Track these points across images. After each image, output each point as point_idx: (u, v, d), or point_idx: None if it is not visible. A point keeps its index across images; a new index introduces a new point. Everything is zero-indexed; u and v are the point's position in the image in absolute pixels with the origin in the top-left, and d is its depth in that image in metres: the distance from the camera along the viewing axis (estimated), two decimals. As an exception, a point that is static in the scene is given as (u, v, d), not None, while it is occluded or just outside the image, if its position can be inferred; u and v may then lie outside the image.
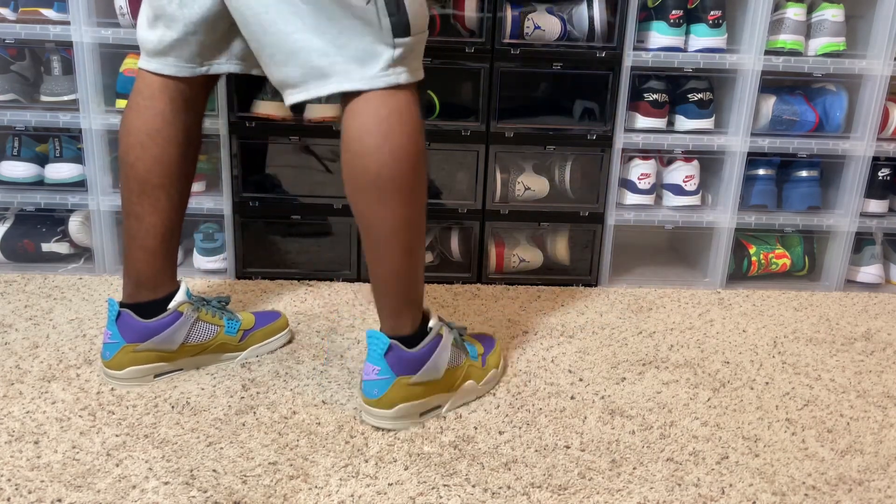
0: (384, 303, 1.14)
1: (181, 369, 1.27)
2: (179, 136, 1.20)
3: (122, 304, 1.22)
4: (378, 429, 1.14)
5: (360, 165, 1.05)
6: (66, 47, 1.61)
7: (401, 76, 1.06)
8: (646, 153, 1.76)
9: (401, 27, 1.04)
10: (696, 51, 1.68)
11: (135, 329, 1.21)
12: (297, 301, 1.60)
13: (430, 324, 1.17)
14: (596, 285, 1.77)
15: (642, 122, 1.72)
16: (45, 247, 1.68)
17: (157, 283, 1.24)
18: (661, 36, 1.66)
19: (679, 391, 1.30)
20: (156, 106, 1.18)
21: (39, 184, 1.68)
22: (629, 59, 1.64)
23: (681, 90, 1.74)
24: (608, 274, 1.77)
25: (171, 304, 1.24)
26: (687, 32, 1.69)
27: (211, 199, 1.67)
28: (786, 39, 1.68)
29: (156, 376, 1.24)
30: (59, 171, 1.66)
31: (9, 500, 0.95)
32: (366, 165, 1.05)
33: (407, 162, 1.06)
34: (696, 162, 1.77)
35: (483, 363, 1.25)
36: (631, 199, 1.77)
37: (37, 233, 1.68)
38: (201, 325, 1.27)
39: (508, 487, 1.02)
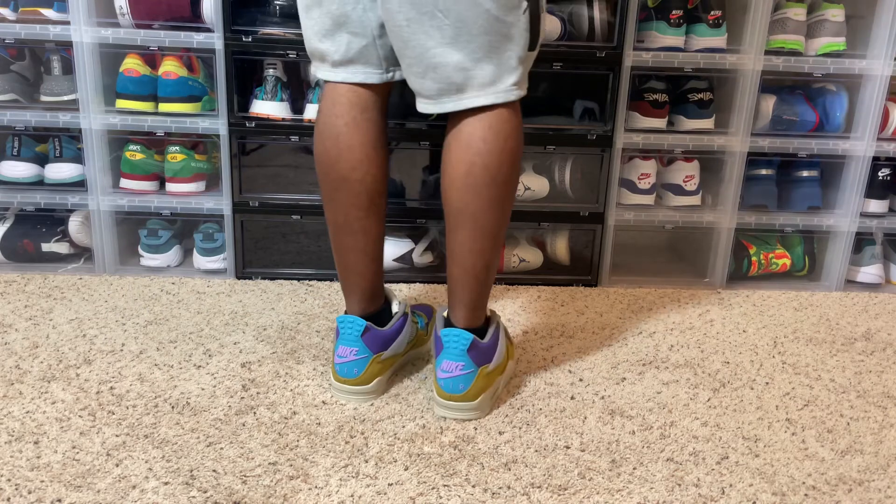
0: (469, 296, 1.17)
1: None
2: (385, 140, 1.20)
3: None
4: (378, 429, 1.14)
5: (481, 163, 1.10)
6: (66, 47, 1.61)
7: (522, 90, 1.12)
8: (646, 153, 1.76)
9: (534, 42, 1.10)
10: (697, 51, 1.68)
11: (378, 339, 1.22)
12: (297, 301, 1.60)
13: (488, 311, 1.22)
14: (596, 285, 1.77)
15: (642, 122, 1.72)
16: (45, 247, 1.68)
17: (379, 292, 1.27)
18: (661, 36, 1.66)
19: (679, 391, 1.30)
20: (369, 116, 1.17)
21: (39, 184, 1.68)
22: (629, 59, 1.64)
23: (681, 90, 1.74)
24: (608, 274, 1.77)
25: (397, 308, 1.28)
26: (687, 32, 1.69)
27: (211, 199, 1.67)
28: (786, 39, 1.68)
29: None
30: (59, 171, 1.66)
31: (9, 500, 0.95)
32: (486, 164, 1.10)
33: (516, 166, 1.14)
34: (696, 162, 1.77)
35: (510, 340, 1.30)
36: (631, 199, 1.77)
37: (37, 233, 1.68)
38: (411, 323, 1.30)
39: (508, 487, 1.02)
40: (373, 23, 1.11)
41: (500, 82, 1.09)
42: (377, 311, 1.26)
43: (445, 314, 1.24)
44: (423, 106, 1.13)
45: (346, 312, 1.26)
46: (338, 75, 1.16)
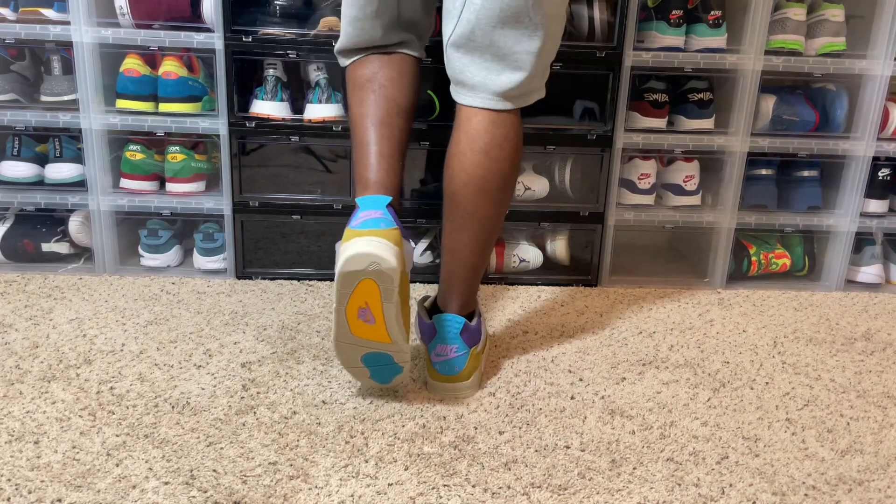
0: (464, 288, 1.26)
1: None
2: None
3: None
4: (378, 429, 1.14)
5: (497, 168, 1.18)
6: (66, 47, 1.61)
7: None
8: (646, 153, 1.76)
9: None
10: (697, 51, 1.68)
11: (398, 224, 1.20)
12: (297, 301, 1.60)
13: None
14: (596, 285, 1.77)
15: (642, 122, 1.72)
16: (45, 247, 1.69)
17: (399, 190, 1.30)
18: (661, 36, 1.66)
19: (679, 391, 1.30)
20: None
21: (39, 184, 1.68)
22: (629, 59, 1.64)
23: (681, 90, 1.74)
24: (608, 274, 1.77)
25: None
26: (687, 32, 1.69)
27: (211, 199, 1.67)
28: (786, 39, 1.68)
29: None
30: (59, 171, 1.66)
31: (9, 500, 0.95)
32: (501, 169, 1.18)
33: (518, 170, 1.24)
34: (696, 162, 1.77)
35: None
36: (631, 199, 1.77)
37: (37, 233, 1.68)
38: None
39: (508, 487, 1.02)
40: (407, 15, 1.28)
41: (544, 79, 1.22)
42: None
43: (427, 304, 1.30)
44: (490, 102, 1.17)
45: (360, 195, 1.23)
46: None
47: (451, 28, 1.16)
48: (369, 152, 1.24)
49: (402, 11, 1.27)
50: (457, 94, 1.21)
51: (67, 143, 1.66)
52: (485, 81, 1.16)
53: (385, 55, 1.29)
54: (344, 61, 1.32)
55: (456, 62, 1.18)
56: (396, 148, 1.25)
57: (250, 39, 1.58)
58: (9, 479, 0.99)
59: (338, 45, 1.32)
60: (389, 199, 1.18)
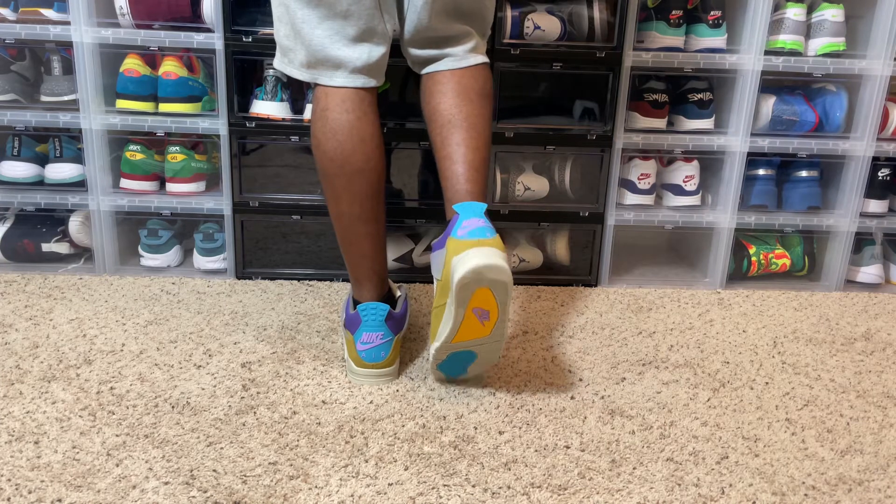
0: (476, 188, 1.26)
1: None
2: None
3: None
4: (378, 429, 1.14)
5: (481, 84, 1.29)
6: (66, 47, 1.61)
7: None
8: (646, 153, 1.76)
9: None
10: (697, 51, 1.68)
11: (397, 321, 1.29)
12: (297, 301, 1.60)
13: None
14: (596, 285, 1.77)
15: (642, 122, 1.73)
16: (45, 247, 1.69)
17: (387, 277, 1.35)
18: (661, 36, 1.66)
19: (679, 391, 1.30)
20: (373, 110, 1.26)
21: (39, 184, 1.68)
22: (629, 59, 1.64)
23: (681, 90, 1.74)
24: (608, 274, 1.77)
25: (399, 291, 1.39)
26: (687, 32, 1.69)
27: (211, 199, 1.67)
28: (786, 39, 1.68)
29: None
30: (59, 171, 1.66)
31: (9, 500, 0.95)
32: (484, 84, 1.30)
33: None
34: (696, 162, 1.77)
35: None
36: (631, 199, 1.77)
37: (37, 233, 1.68)
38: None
39: (508, 487, 1.02)
40: (390, 34, 1.25)
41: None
42: (386, 296, 1.33)
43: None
44: (450, 63, 1.27)
45: (356, 301, 1.31)
46: (356, 81, 1.24)
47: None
48: (362, 251, 1.29)
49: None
50: (441, 65, 1.27)
51: (67, 143, 1.66)
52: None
53: (351, 117, 1.23)
54: (295, 73, 1.26)
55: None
56: (384, 235, 1.31)
57: (250, 39, 1.58)
58: (9, 479, 0.99)
59: (298, 62, 1.25)
60: (388, 308, 1.27)
